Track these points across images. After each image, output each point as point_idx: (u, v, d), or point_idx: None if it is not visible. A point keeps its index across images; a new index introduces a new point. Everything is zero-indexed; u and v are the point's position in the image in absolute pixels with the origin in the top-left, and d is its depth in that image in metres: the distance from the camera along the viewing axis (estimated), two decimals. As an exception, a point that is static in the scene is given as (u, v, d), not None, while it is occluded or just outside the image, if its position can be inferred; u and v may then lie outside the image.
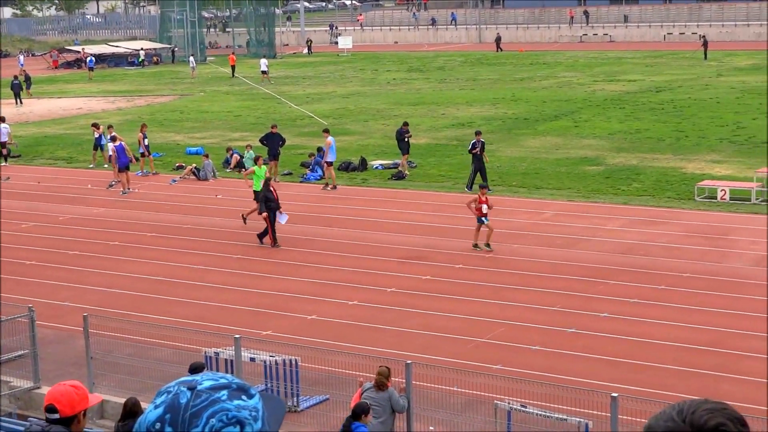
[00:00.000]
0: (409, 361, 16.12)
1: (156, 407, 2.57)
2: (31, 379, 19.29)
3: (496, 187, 34.53)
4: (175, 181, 38.59)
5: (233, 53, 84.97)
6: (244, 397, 2.59)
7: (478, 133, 35.48)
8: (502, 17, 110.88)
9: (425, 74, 74.63)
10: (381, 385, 15.27)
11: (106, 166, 41.12)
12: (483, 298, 23.42)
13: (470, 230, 29.21)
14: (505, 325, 21.57)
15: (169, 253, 28.38)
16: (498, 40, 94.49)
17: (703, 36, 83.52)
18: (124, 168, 36.60)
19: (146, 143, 39.77)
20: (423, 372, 16.92)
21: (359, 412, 14.53)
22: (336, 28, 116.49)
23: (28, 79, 70.60)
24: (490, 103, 56.59)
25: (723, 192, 31.99)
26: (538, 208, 32.00)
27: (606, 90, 60.47)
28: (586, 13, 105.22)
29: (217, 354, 17.82)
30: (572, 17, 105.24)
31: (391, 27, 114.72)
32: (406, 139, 38.20)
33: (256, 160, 31.97)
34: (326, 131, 37.79)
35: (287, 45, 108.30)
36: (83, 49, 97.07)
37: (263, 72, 73.41)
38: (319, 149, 38.35)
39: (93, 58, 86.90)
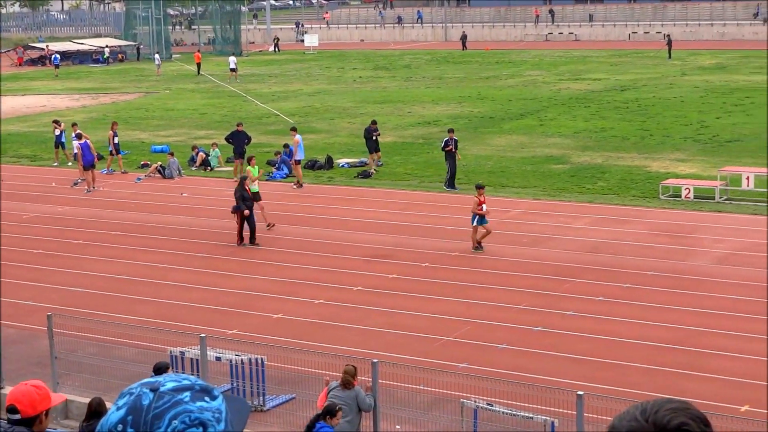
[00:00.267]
0: (375, 360, 16.10)
1: (118, 409, 2.54)
2: (-7, 380, 19.11)
3: (461, 185, 34.61)
4: (140, 179, 38.39)
5: (199, 51, 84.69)
6: (207, 398, 2.56)
7: (450, 131, 35.51)
8: (468, 15, 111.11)
9: (391, 72, 74.66)
10: (347, 383, 15.23)
11: (69, 164, 40.87)
12: (449, 297, 23.44)
13: (437, 229, 29.27)
14: (471, 324, 21.60)
15: (134, 251, 28.22)
16: (464, 38, 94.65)
17: (668, 35, 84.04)
18: (89, 166, 36.35)
19: (116, 141, 39.51)
20: (389, 371, 16.90)
21: (326, 412, 14.46)
22: (302, 25, 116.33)
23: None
24: (455, 102, 56.69)
25: (687, 190, 32.19)
26: (504, 207, 32.05)
27: (571, 89, 60.72)
28: (551, 11, 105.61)
29: (182, 353, 17.72)
30: (538, 16, 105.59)
31: (357, 25, 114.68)
32: (374, 138, 38.20)
33: (249, 161, 31.39)
34: (294, 129, 37.72)
35: (253, 43, 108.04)
36: (47, 46, 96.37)
37: (232, 69, 73.20)
38: (286, 145, 38.23)
39: (58, 56, 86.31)
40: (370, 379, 15.87)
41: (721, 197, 31.77)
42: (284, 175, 37.71)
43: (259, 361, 17.55)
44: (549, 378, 18.10)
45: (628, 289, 23.67)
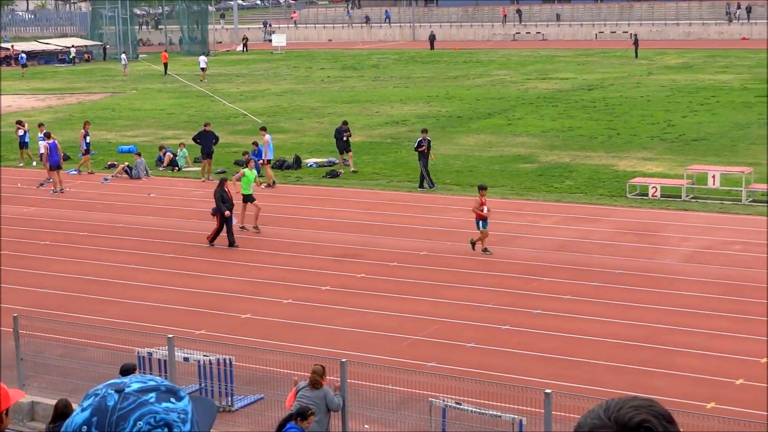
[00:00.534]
0: (343, 360, 16.10)
1: (83, 410, 2.54)
2: (-41, 382, 18.94)
3: (429, 184, 34.64)
4: (107, 179, 38.18)
5: (166, 51, 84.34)
6: (172, 399, 2.55)
7: (424, 131, 35.51)
8: (435, 15, 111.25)
9: (359, 72, 74.64)
10: (316, 383, 15.22)
11: (34, 164, 40.62)
12: (418, 296, 23.47)
13: (405, 228, 29.28)
14: (439, 323, 21.63)
15: (101, 252, 28.07)
16: (432, 38, 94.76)
17: (635, 35, 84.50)
18: (55, 166, 36.11)
19: (87, 141, 39.29)
20: (358, 370, 16.91)
21: (298, 414, 14.41)
22: (270, 25, 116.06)
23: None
24: (424, 101, 56.75)
25: (654, 189, 32.37)
26: (472, 206, 32.08)
27: (539, 88, 60.93)
28: (519, 11, 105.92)
29: (150, 354, 17.65)
30: (505, 16, 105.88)
31: (325, 25, 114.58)
32: (345, 138, 38.13)
33: (246, 163, 30.91)
34: (263, 129, 37.64)
35: (221, 42, 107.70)
36: (12, 46, 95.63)
37: (202, 69, 72.98)
38: (254, 143, 38.08)
39: (24, 55, 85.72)
40: (339, 379, 15.86)
41: (687, 196, 31.97)
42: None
43: (228, 362, 17.51)
44: (517, 376, 18.15)
45: (596, 287, 23.78)
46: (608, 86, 60.61)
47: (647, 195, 32.28)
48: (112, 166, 39.99)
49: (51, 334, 19.38)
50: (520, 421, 14.82)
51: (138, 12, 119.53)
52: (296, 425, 14.33)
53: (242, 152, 39.78)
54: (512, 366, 19.10)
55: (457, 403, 15.54)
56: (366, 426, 16.67)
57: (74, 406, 13.80)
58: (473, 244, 26.77)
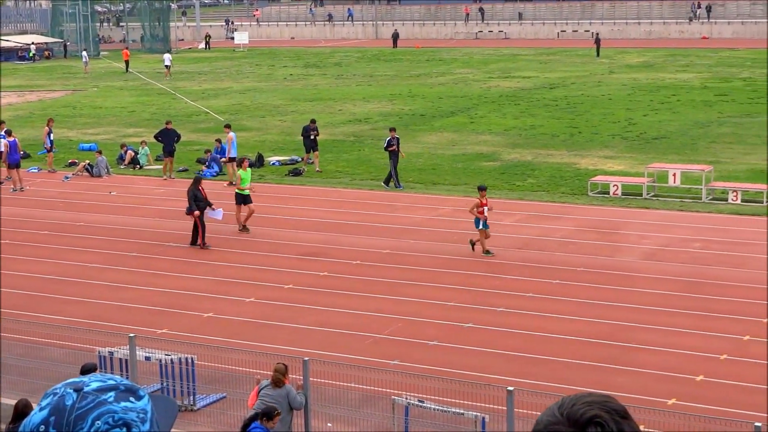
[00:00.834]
0: (306, 358, 16.08)
1: (41, 409, 2.52)
2: None
3: (392, 183, 34.66)
4: (68, 178, 37.91)
5: (127, 48, 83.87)
6: (132, 398, 2.54)
7: (392, 130, 35.43)
8: (398, 13, 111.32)
9: (322, 70, 74.56)
10: (278, 382, 15.19)
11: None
12: (380, 294, 23.48)
13: (368, 226, 29.26)
14: (402, 321, 21.65)
15: (62, 251, 27.87)
16: (396, 36, 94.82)
17: (596, 33, 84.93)
18: (14, 165, 35.81)
19: (51, 139, 39.01)
20: (320, 369, 16.91)
21: (264, 414, 14.37)
22: (232, 23, 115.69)
23: None
24: (387, 99, 56.78)
25: (615, 187, 32.56)
26: (435, 204, 32.21)
27: (501, 86, 61.11)
28: (481, 10, 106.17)
29: (111, 353, 17.55)
30: (468, 14, 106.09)
31: (288, 23, 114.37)
32: (312, 137, 38.00)
33: (240, 163, 30.36)
34: (228, 126, 37.49)
35: (182, 40, 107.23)
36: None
37: (167, 67, 72.64)
38: (218, 140, 37.92)
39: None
40: (301, 377, 15.84)
41: (648, 194, 32.19)
42: (215, 173, 37.47)
43: (189, 361, 17.44)
44: (479, 374, 18.19)
45: (558, 285, 23.89)
46: (570, 85, 60.90)
47: (608, 193, 32.47)
48: (73, 164, 39.72)
49: (11, 334, 19.22)
50: (483, 418, 14.86)
51: (99, 9, 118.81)
52: (261, 425, 14.30)
53: (204, 150, 39.72)
54: (475, 364, 19.14)
55: (419, 401, 15.56)
56: (329, 424, 16.66)
57: (35, 405, 13.70)
58: (473, 244, 26.46)
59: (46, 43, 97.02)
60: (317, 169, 37.85)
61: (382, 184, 34.57)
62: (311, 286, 24.24)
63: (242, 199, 29.32)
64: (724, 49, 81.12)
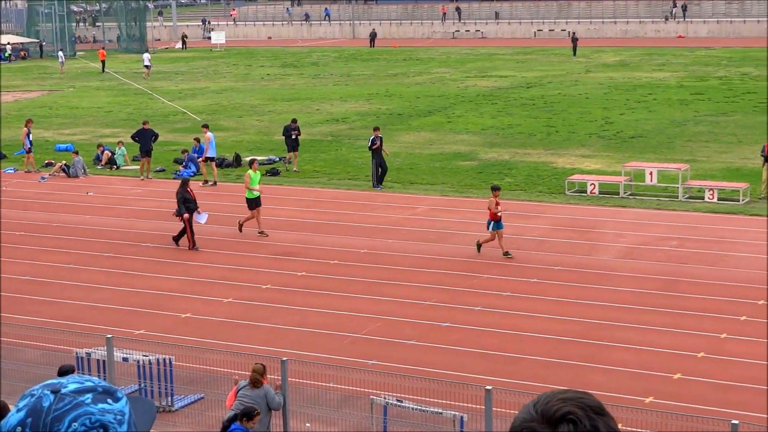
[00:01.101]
0: (284, 358, 16.07)
1: (18, 411, 2.51)
2: None
3: (369, 182, 34.67)
4: (44, 178, 37.74)
5: (103, 48, 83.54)
6: (109, 400, 2.53)
7: (376, 129, 35.32)
8: (375, 13, 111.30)
9: (299, 70, 74.48)
10: (256, 382, 15.17)
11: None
12: (358, 294, 23.48)
13: (345, 226, 29.23)
14: (380, 321, 21.66)
15: (39, 252, 27.74)
16: (374, 35, 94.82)
17: (573, 33, 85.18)
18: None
19: (30, 139, 38.81)
20: (299, 369, 16.90)
21: (243, 414, 14.35)
22: (209, 23, 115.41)
23: None
24: (364, 99, 56.78)
25: (592, 186, 32.67)
26: (412, 203, 32.23)
27: (478, 86, 61.19)
28: (458, 9, 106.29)
29: (88, 354, 17.48)
30: (445, 14, 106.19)
31: (265, 22, 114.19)
32: (293, 136, 37.88)
33: (251, 164, 29.75)
34: (205, 126, 37.38)
35: (159, 40, 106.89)
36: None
37: (146, 66, 72.45)
38: (197, 139, 37.81)
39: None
40: (280, 378, 15.83)
41: (625, 192, 32.30)
42: (192, 173, 37.34)
43: (167, 361, 17.40)
44: (457, 373, 18.22)
45: (535, 283, 23.95)
46: (547, 84, 61.04)
47: (585, 192, 32.57)
48: (49, 164, 39.55)
49: (-13, 336, 19.11)
50: (461, 417, 14.88)
51: (75, 9, 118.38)
52: (241, 425, 14.28)
53: (181, 150, 39.61)
54: (453, 363, 19.17)
55: (398, 401, 15.57)
56: (307, 424, 16.65)
57: (11, 407, 13.64)
58: (479, 246, 26.11)
59: (21, 43, 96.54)
60: (295, 169, 37.79)
61: (374, 187, 34.29)
62: (289, 286, 24.21)
63: (255, 203, 28.71)
64: (700, 48, 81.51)
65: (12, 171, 38.94)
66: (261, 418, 15.03)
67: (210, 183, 35.72)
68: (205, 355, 18.30)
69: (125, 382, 17.23)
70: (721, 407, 16.74)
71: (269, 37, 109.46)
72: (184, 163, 38.23)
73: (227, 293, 23.80)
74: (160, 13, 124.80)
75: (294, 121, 38.88)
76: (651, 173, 32.67)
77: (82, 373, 16.02)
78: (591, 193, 32.44)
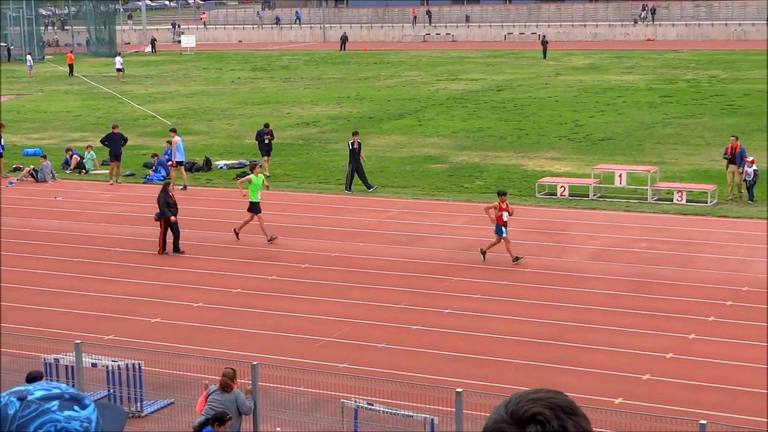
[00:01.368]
0: (255, 362, 16.04)
1: (-16, 418, 2.50)
2: None
3: (342, 185, 34.68)
4: (12, 183, 37.50)
5: (72, 52, 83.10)
6: (76, 407, 2.53)
7: (355, 134, 35.23)
8: (346, 16, 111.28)
9: (270, 73, 74.36)
10: (226, 386, 15.13)
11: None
12: (329, 297, 23.46)
13: (316, 229, 29.17)
14: (351, 324, 21.66)
15: (6, 257, 27.53)
16: (344, 39, 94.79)
17: (543, 36, 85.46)
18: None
19: (2, 143, 38.54)
20: (269, 373, 16.87)
21: (215, 419, 14.31)
22: (179, 26, 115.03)
23: None
24: (335, 102, 56.75)
25: (562, 188, 32.79)
26: (383, 207, 32.24)
27: (449, 89, 61.30)
28: (428, 12, 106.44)
29: (57, 360, 17.39)
30: (415, 17, 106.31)
31: (235, 26, 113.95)
32: (266, 141, 37.73)
33: (252, 168, 29.43)
34: (173, 130, 37.25)
35: (129, 43, 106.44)
36: None
37: (118, 70, 72.15)
38: (169, 142, 37.63)
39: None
40: (250, 382, 15.80)
41: (594, 195, 32.44)
42: (161, 177, 37.20)
43: (137, 367, 17.33)
44: (428, 376, 18.25)
45: (505, 286, 24.01)
46: (517, 87, 61.22)
47: (555, 194, 32.69)
48: (17, 169, 39.30)
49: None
50: (432, 420, 14.90)
51: (44, 12, 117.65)
52: (213, 430, 14.24)
53: (151, 154, 39.45)
54: (423, 366, 19.19)
55: (368, 404, 15.58)
56: (278, 428, 16.62)
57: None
58: (484, 253, 25.86)
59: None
60: (266, 173, 37.59)
61: (369, 190, 34.11)
62: (260, 290, 24.17)
63: (257, 207, 28.40)
64: (669, 50, 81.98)
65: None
66: (232, 422, 15.00)
67: (180, 187, 35.57)
68: (175, 360, 18.22)
69: (94, 387, 17.15)
70: (689, 407, 16.85)
71: (240, 41, 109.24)
72: (153, 167, 38.09)
73: (198, 298, 23.73)
74: (130, 17, 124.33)
75: (267, 125, 38.72)
76: (620, 175, 32.83)
77: (51, 380, 15.96)
78: (561, 195, 32.56)
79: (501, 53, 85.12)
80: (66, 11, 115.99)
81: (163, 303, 23.42)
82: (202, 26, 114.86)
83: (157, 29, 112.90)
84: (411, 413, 15.14)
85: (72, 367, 17.04)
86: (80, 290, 24.53)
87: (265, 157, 37.77)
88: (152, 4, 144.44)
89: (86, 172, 39.20)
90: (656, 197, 31.94)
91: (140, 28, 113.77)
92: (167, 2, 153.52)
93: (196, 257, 27.13)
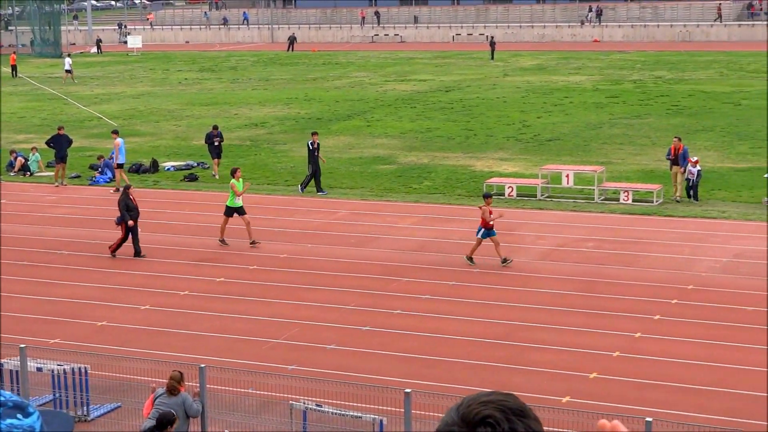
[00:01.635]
0: (202, 365, 15.95)
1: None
2: None
3: (290, 187, 34.60)
4: (-45, 185, 37.03)
5: (15, 52, 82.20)
6: (19, 415, 2.49)
7: (314, 134, 35.08)
8: (294, 17, 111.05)
9: (217, 74, 74.04)
10: (173, 390, 15.01)
11: None
12: (277, 299, 23.39)
13: (265, 231, 29.06)
14: (299, 325, 21.60)
15: (-51, 261, 27.17)
16: (292, 40, 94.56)
17: (491, 37, 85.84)
18: None
19: None
20: (217, 375, 16.79)
21: (166, 423, 14.19)
22: (125, 27, 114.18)
23: None
24: (283, 103, 56.61)
25: (510, 189, 32.93)
26: (332, 208, 32.20)
27: (397, 90, 61.37)
28: (377, 13, 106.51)
29: (0, 365, 17.16)
30: (363, 18, 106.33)
31: (182, 26, 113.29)
32: (216, 143, 37.41)
33: (233, 173, 28.69)
34: (115, 132, 36.96)
35: (74, 44, 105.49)
36: None
37: (67, 71, 71.48)
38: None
39: None
40: (198, 385, 15.70)
41: (542, 195, 32.62)
42: (108, 179, 36.93)
43: (83, 371, 17.16)
44: (377, 377, 18.25)
45: (454, 286, 24.07)
46: (465, 88, 61.43)
47: (504, 194, 32.82)
48: (-39, 171, 38.84)
49: None
50: (381, 421, 14.90)
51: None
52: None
53: (97, 156, 39.12)
54: (373, 367, 19.19)
55: (317, 406, 15.55)
56: (226, 431, 16.54)
57: None
58: (471, 259, 25.57)
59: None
60: (215, 174, 37.33)
61: (317, 191, 33.93)
62: (207, 292, 24.03)
63: (231, 211, 27.91)
64: (615, 51, 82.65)
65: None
66: (179, 425, 14.90)
67: (116, 190, 35.22)
68: (121, 364, 18.07)
69: (39, 392, 16.96)
70: (636, 405, 16.98)
71: (187, 41, 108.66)
72: (99, 169, 37.76)
73: (144, 300, 23.55)
74: (75, 17, 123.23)
75: (215, 127, 38.34)
76: (567, 176, 33.03)
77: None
78: (509, 195, 32.70)
79: (449, 54, 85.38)
80: (10, 11, 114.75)
81: (110, 306, 23.22)
82: (149, 27, 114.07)
83: (103, 30, 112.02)
84: (360, 414, 15.13)
85: (17, 371, 16.84)
86: (25, 293, 24.26)
87: (215, 160, 37.53)
88: (98, 5, 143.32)
89: (31, 174, 38.78)
90: (603, 197, 32.18)
91: (86, 29, 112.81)
92: (113, 2, 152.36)
93: (144, 259, 26.92)
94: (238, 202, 28.06)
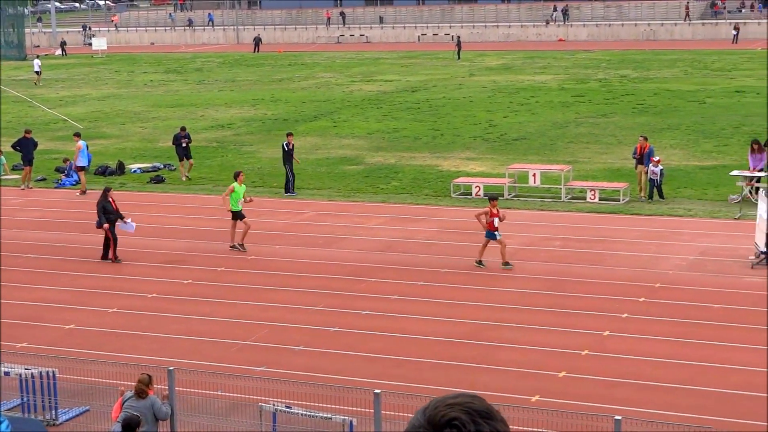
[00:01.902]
0: (171, 368, 15.90)
1: None
2: None
3: (257, 188, 34.52)
4: None
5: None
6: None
7: (289, 135, 35.00)
8: (259, 18, 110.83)
9: (183, 76, 73.77)
10: (141, 392, 14.96)
11: None
12: (245, 301, 23.34)
13: (226, 232, 28.95)
14: (268, 327, 21.56)
15: None
16: (258, 41, 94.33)
17: (457, 37, 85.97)
18: None
19: None
20: (186, 378, 16.74)
21: (134, 425, 14.13)
22: (89, 28, 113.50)
23: None
24: (249, 105, 56.49)
25: (477, 188, 33.01)
26: (299, 209, 32.16)
27: (363, 90, 61.37)
28: (342, 14, 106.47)
29: (-32, 370, 17.05)
30: (329, 18, 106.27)
31: (147, 28, 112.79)
32: (184, 144, 37.20)
33: (236, 176, 28.30)
34: (77, 135, 36.74)
35: (38, 46, 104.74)
36: None
37: (36, 72, 70.95)
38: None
39: None
40: (167, 387, 15.65)
41: (509, 194, 32.71)
42: (74, 182, 36.71)
43: (51, 374, 17.06)
44: (346, 378, 18.25)
45: (422, 286, 24.10)
46: (431, 88, 61.51)
47: (471, 194, 32.90)
48: (-75, 175, 38.46)
49: None
50: (351, 422, 14.91)
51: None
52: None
53: (63, 158, 38.86)
54: (342, 367, 19.19)
55: (287, 407, 15.53)
56: (195, 434, 16.48)
57: None
58: (480, 262, 25.38)
59: None
60: (187, 175, 37.11)
61: (285, 193, 33.87)
62: (175, 295, 23.95)
63: (235, 216, 27.65)
64: (580, 51, 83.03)
65: None
66: (148, 428, 14.84)
67: (78, 192, 35.04)
68: (89, 367, 17.98)
69: (7, 396, 16.85)
70: (604, 403, 17.06)
71: (152, 43, 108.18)
72: (66, 172, 37.53)
73: (112, 303, 23.44)
74: (39, 19, 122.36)
75: (183, 128, 38.14)
76: (534, 175, 33.16)
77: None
78: (476, 195, 32.77)
79: (415, 54, 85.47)
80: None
81: (77, 309, 23.10)
82: (114, 28, 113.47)
83: (67, 32, 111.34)
84: (330, 415, 15.14)
85: (-17, 376, 16.72)
86: (-9, 298, 24.06)
87: (182, 161, 37.34)
88: (62, 7, 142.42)
89: (-4, 178, 38.49)
90: (570, 196, 32.32)
91: (50, 31, 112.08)
92: (77, 4, 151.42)
93: (110, 262, 26.76)
94: (239, 206, 27.79)
